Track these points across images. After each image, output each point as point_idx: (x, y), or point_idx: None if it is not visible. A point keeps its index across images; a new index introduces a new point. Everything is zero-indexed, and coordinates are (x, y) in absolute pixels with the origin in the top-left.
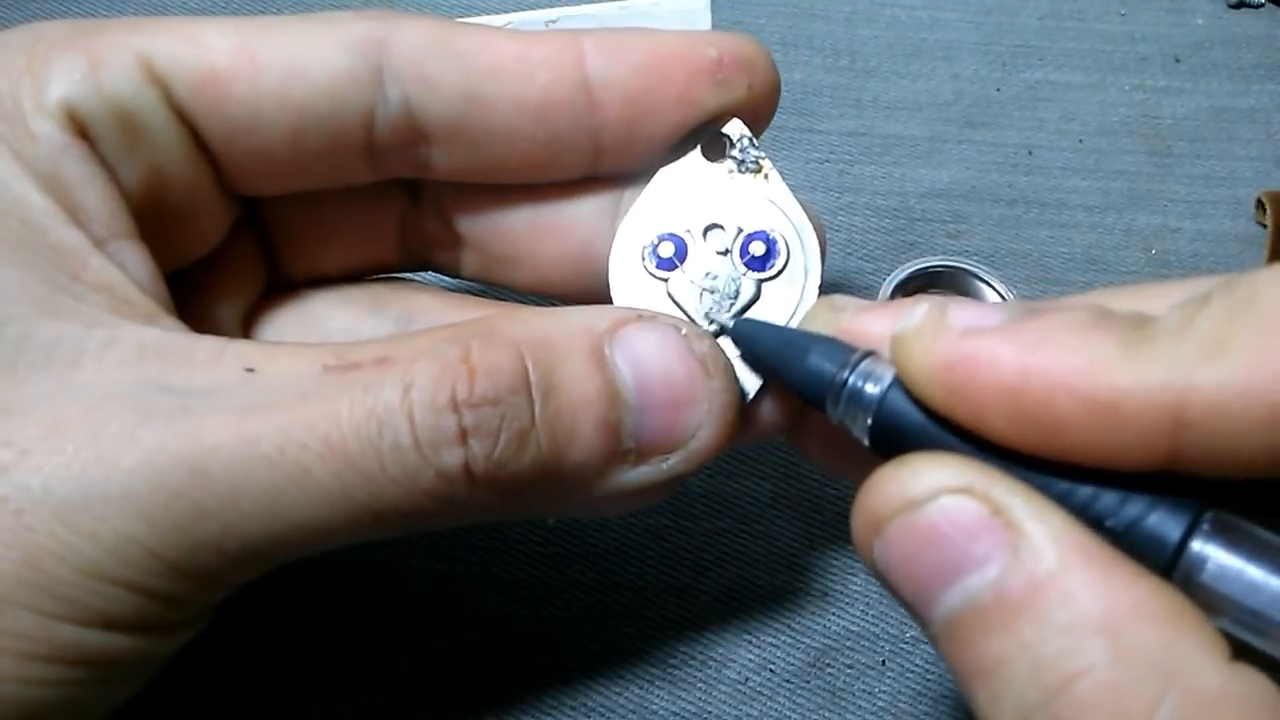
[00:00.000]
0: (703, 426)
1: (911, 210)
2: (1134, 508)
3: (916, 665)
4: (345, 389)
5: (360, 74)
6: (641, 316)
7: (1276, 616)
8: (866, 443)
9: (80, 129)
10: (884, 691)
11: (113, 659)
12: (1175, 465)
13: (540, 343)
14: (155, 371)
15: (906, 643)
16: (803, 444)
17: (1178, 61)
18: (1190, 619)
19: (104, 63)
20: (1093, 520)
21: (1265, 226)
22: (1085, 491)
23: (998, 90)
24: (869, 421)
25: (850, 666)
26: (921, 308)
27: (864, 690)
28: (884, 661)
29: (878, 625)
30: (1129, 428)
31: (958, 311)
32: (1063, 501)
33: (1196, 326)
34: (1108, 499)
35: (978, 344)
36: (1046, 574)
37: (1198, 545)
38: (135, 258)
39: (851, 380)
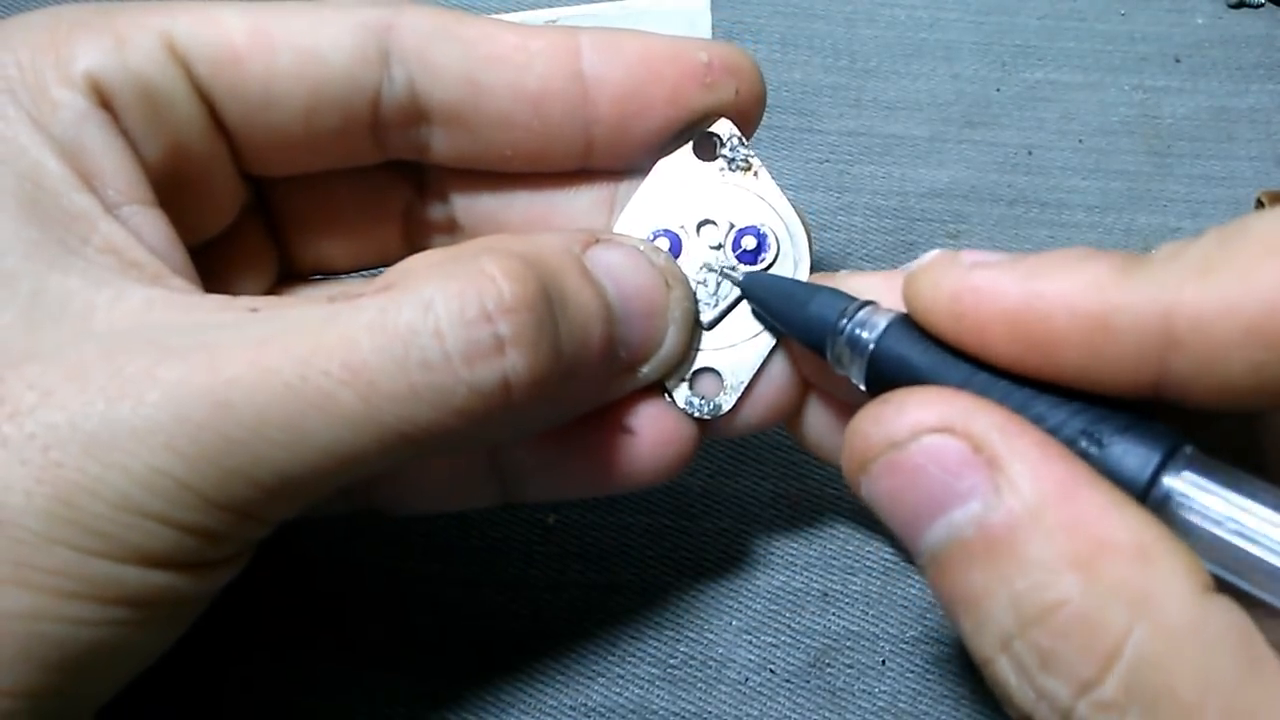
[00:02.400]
0: (670, 333)
1: (911, 210)
2: (1115, 433)
3: (917, 665)
4: (359, 312)
5: (369, 55)
6: (600, 238)
7: (1242, 551)
8: (863, 387)
9: (103, 100)
10: (884, 691)
11: (153, 597)
12: (1164, 390)
13: (537, 258)
14: (164, 318)
15: (907, 643)
16: (801, 434)
17: (1177, 61)
18: (1164, 549)
19: (128, 40)
20: (1075, 445)
21: None
22: (1068, 412)
23: (998, 90)
24: (865, 365)
25: (850, 666)
26: (933, 251)
27: (864, 690)
28: (884, 661)
29: (878, 625)
30: (1119, 343)
31: (966, 252)
32: (1045, 423)
33: (1188, 252)
34: (1090, 423)
35: (983, 274)
36: (1025, 509)
37: (1172, 474)
38: (151, 222)
39: (849, 327)
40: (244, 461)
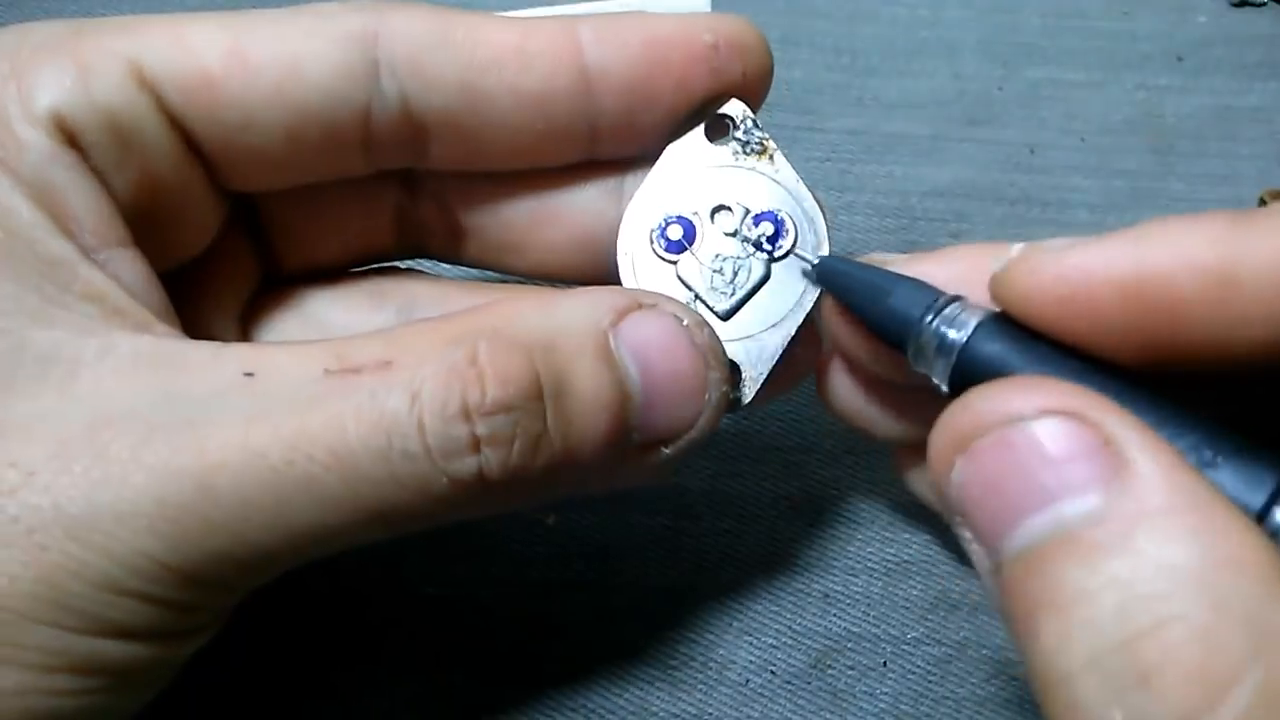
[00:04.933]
0: (702, 416)
1: (913, 209)
2: (1230, 454)
3: (918, 667)
4: (349, 395)
5: (356, 70)
6: (642, 305)
7: None
8: (945, 388)
9: (70, 138)
10: (885, 693)
11: (129, 667)
12: None
13: (547, 343)
14: (153, 380)
15: (908, 644)
16: (827, 396)
17: (1180, 60)
18: None
19: (93, 70)
20: (1189, 454)
21: None
22: (1183, 425)
23: (999, 89)
24: (951, 366)
25: (852, 668)
26: (1016, 245)
27: (865, 692)
28: (885, 663)
29: (879, 627)
30: (1248, 297)
31: (1053, 240)
32: (1159, 433)
33: None
34: (1205, 439)
35: (1085, 252)
36: (1154, 510)
37: None
38: (128, 265)
39: (936, 323)
40: (225, 541)
